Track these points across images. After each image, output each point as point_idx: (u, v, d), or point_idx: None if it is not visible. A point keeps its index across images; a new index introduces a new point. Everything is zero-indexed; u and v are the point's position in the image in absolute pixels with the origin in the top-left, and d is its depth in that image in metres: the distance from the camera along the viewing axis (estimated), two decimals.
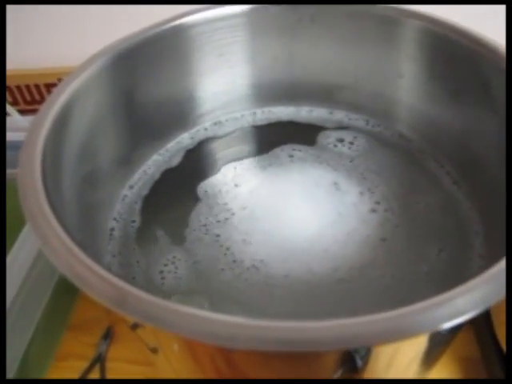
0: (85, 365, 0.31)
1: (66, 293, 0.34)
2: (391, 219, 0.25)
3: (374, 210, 0.25)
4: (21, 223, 0.34)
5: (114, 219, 0.25)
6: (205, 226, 0.25)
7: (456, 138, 0.26)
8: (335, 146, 0.29)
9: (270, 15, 0.27)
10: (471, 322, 0.29)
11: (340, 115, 0.31)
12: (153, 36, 0.25)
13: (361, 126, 0.30)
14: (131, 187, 0.27)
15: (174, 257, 0.24)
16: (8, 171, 0.43)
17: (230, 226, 0.25)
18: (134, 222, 0.25)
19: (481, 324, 0.28)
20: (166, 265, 0.23)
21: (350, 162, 0.28)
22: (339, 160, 0.28)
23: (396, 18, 0.25)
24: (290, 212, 0.26)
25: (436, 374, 0.26)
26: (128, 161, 0.27)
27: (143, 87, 0.26)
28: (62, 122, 0.21)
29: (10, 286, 0.26)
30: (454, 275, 0.22)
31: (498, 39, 0.25)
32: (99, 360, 0.31)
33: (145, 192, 0.27)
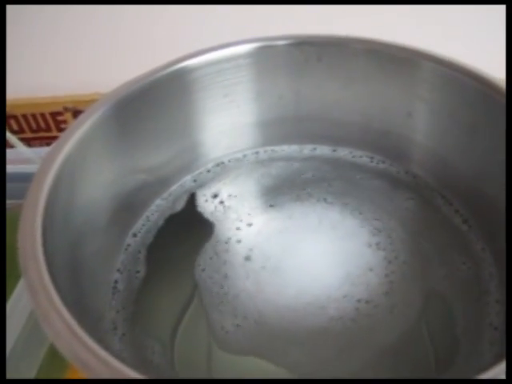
0: None
1: None
2: (398, 258, 0.24)
3: (382, 249, 0.25)
4: None
5: (118, 270, 0.25)
6: (212, 271, 0.25)
7: (465, 176, 0.26)
8: (340, 182, 0.29)
9: (275, 55, 0.26)
10: None
11: (344, 152, 0.30)
12: (155, 80, 0.25)
13: (364, 162, 0.30)
14: (134, 235, 0.26)
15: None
16: (10, 201, 0.44)
17: (238, 271, 0.25)
18: (138, 272, 0.25)
19: None
20: None
21: (356, 198, 0.28)
22: (343, 197, 0.28)
23: (405, 58, 0.25)
24: (299, 254, 0.25)
25: None
26: (130, 208, 0.26)
27: (145, 132, 0.26)
28: (62, 177, 0.21)
29: (12, 329, 0.25)
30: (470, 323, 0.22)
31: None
32: None
33: (149, 240, 0.26)
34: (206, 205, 0.28)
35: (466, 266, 0.24)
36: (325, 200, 0.28)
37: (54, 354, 0.29)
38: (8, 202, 0.43)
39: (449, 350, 0.21)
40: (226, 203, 0.28)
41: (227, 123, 0.28)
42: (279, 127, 0.29)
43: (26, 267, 0.17)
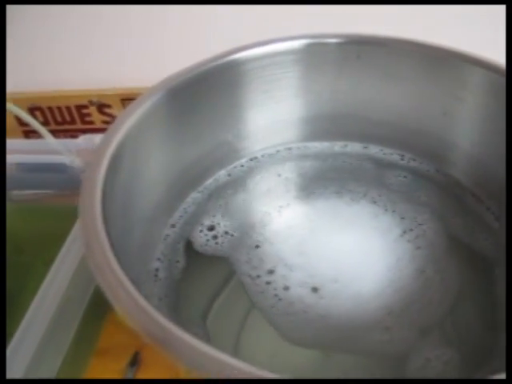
0: None
1: (94, 318, 0.34)
2: (434, 254, 0.25)
3: (418, 247, 0.25)
4: (51, 250, 0.35)
5: (158, 259, 0.25)
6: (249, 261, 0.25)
7: (498, 175, 0.26)
8: (370, 179, 0.29)
9: (317, 53, 0.27)
10: None
11: (375, 150, 0.30)
12: (204, 72, 0.25)
13: (395, 160, 0.30)
14: (173, 226, 0.27)
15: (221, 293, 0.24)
16: (39, 191, 0.44)
17: (272, 258, 0.25)
18: (178, 262, 0.25)
19: None
20: None
21: (386, 194, 0.28)
22: (373, 193, 0.28)
23: (444, 59, 0.25)
24: (336, 246, 0.26)
25: None
26: (170, 198, 0.26)
27: (190, 122, 0.26)
28: (115, 163, 0.21)
29: (43, 315, 0.26)
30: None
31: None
32: None
33: (187, 232, 0.27)
34: (242, 198, 0.28)
35: (497, 265, 0.25)
36: (355, 196, 0.28)
37: (78, 342, 0.30)
38: (36, 191, 0.44)
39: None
40: (258, 198, 0.28)
41: (264, 119, 0.28)
42: (314, 124, 0.30)
43: (91, 249, 0.17)
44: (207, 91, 0.25)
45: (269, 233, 0.26)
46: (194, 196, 0.28)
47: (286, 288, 0.24)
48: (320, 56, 0.27)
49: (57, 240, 0.34)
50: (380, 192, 0.28)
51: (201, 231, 0.26)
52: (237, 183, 0.29)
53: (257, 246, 0.26)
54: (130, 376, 0.32)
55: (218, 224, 0.27)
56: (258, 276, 0.24)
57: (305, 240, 0.26)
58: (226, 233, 0.26)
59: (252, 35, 0.27)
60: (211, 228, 0.27)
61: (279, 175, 0.29)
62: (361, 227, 0.27)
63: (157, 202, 0.25)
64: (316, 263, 0.24)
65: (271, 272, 0.24)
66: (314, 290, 0.23)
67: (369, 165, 0.30)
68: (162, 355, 0.32)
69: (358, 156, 0.30)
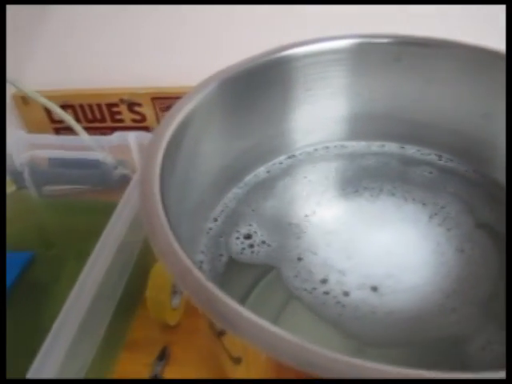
0: None
1: (125, 313, 0.35)
2: (465, 233, 0.25)
3: (448, 229, 0.26)
4: (83, 244, 0.36)
5: (202, 252, 0.26)
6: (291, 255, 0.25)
7: None
8: (411, 179, 0.29)
9: (360, 53, 0.27)
10: None
11: (412, 150, 0.31)
12: (253, 67, 0.26)
13: (433, 160, 0.30)
14: (215, 220, 0.27)
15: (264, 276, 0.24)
16: (72, 187, 0.45)
17: (321, 253, 0.25)
18: (221, 255, 0.26)
19: None
20: None
21: (423, 193, 0.28)
22: (410, 192, 0.28)
23: (482, 59, 0.25)
24: (378, 243, 0.26)
25: None
26: (213, 193, 0.27)
27: (237, 117, 0.27)
28: (173, 147, 0.22)
29: (79, 309, 0.27)
30: None
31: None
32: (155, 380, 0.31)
33: (229, 226, 0.27)
34: (281, 195, 0.29)
35: None
36: (393, 195, 0.29)
37: (109, 335, 0.31)
38: (68, 187, 0.45)
39: None
40: (296, 197, 0.29)
41: (305, 117, 0.29)
42: (352, 124, 0.30)
43: (154, 233, 0.18)
44: (255, 87, 0.26)
45: (308, 243, 0.26)
46: (235, 191, 0.28)
47: (346, 294, 0.23)
48: (362, 56, 0.27)
49: (88, 235, 0.35)
50: (416, 191, 0.28)
51: (237, 238, 0.26)
52: (274, 181, 0.29)
53: (299, 259, 0.25)
54: (158, 370, 0.32)
55: (255, 233, 0.27)
56: (314, 288, 0.24)
57: (348, 243, 0.26)
58: (263, 242, 0.26)
59: (290, 35, 0.27)
60: (248, 236, 0.27)
61: (316, 174, 0.30)
62: (394, 222, 0.27)
63: (202, 195, 0.25)
64: (366, 263, 0.24)
65: (325, 281, 0.24)
66: (374, 289, 0.23)
67: (405, 165, 0.30)
68: (190, 351, 0.33)
69: (394, 156, 0.30)
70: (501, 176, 0.28)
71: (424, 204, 0.28)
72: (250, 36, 0.42)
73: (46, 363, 0.24)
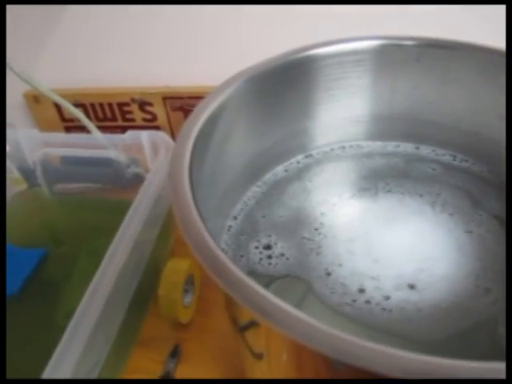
0: None
1: (138, 310, 0.35)
2: (468, 215, 0.26)
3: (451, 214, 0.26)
4: (95, 242, 0.36)
5: (223, 250, 0.26)
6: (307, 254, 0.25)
7: None
8: (426, 177, 0.30)
9: (379, 54, 0.27)
10: None
11: (427, 150, 0.31)
12: (277, 66, 0.26)
13: (447, 161, 0.31)
14: (235, 218, 0.27)
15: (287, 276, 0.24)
16: (83, 185, 0.45)
17: (335, 250, 0.25)
18: (242, 256, 0.26)
19: None
20: None
21: (438, 192, 0.28)
22: (424, 191, 0.29)
23: (500, 62, 0.25)
24: (398, 241, 0.26)
25: None
26: (234, 190, 0.27)
27: (259, 116, 0.27)
28: (201, 143, 0.22)
29: (94, 306, 0.27)
30: None
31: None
32: (167, 377, 0.32)
33: (248, 224, 0.27)
34: (298, 193, 0.29)
35: None
36: (408, 194, 0.29)
37: (123, 332, 0.31)
38: (80, 185, 0.45)
39: None
40: (313, 194, 0.29)
41: (323, 116, 0.29)
42: (369, 124, 0.30)
43: (187, 229, 0.18)
44: (278, 86, 0.26)
45: (331, 256, 0.26)
46: (254, 190, 0.29)
47: (387, 298, 0.23)
48: (382, 57, 0.27)
49: (100, 233, 0.35)
50: (430, 190, 0.29)
51: (256, 248, 0.26)
52: (291, 181, 0.29)
53: (328, 274, 0.25)
54: (170, 367, 0.32)
55: (275, 244, 0.26)
56: (354, 300, 0.23)
57: (370, 247, 0.26)
58: (282, 255, 0.26)
59: (306, 37, 0.28)
60: (268, 247, 0.26)
61: (331, 174, 0.30)
62: (407, 217, 0.27)
63: (224, 192, 0.26)
64: (393, 263, 0.25)
65: (362, 291, 0.24)
66: (411, 286, 0.24)
67: (420, 165, 0.30)
68: (201, 349, 0.33)
69: (409, 156, 0.31)
70: None
71: (432, 200, 0.28)
72: (260, 37, 0.42)
73: (62, 361, 0.25)
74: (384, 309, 0.23)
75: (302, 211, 0.28)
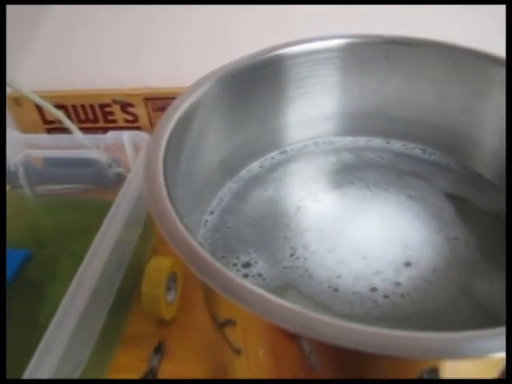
0: (137, 378, 0.31)
1: (121, 309, 0.35)
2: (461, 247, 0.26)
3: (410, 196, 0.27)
4: (78, 242, 0.36)
5: (199, 243, 0.26)
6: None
7: None
8: (396, 170, 0.30)
9: (348, 52, 0.28)
10: None
11: (397, 145, 0.32)
12: (248, 66, 0.27)
13: (416, 154, 0.32)
14: (212, 213, 0.28)
15: (260, 274, 0.25)
16: (65, 186, 0.45)
17: (304, 245, 0.26)
18: (217, 254, 0.26)
19: None
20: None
21: (406, 184, 0.29)
22: (394, 183, 0.29)
23: (464, 58, 0.27)
24: (359, 231, 0.27)
25: None
26: (209, 186, 0.28)
27: (232, 115, 0.28)
28: (174, 142, 0.22)
29: (76, 305, 0.27)
30: None
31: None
32: (151, 374, 0.32)
33: (223, 218, 0.28)
34: (272, 188, 0.30)
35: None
36: (377, 186, 0.29)
37: (106, 331, 0.31)
38: (63, 186, 0.45)
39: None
40: (287, 189, 0.30)
41: (296, 114, 0.30)
42: (340, 120, 0.31)
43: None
44: (250, 84, 0.27)
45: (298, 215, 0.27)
46: (230, 186, 0.29)
47: (398, 284, 0.24)
48: (350, 55, 0.28)
49: (83, 233, 0.35)
50: (399, 182, 0.30)
51: (235, 265, 0.25)
52: (267, 176, 0.30)
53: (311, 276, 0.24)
54: (154, 363, 0.33)
55: (256, 263, 0.25)
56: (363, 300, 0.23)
57: (353, 242, 0.26)
58: (260, 275, 0.25)
59: (282, 35, 0.28)
60: (247, 265, 0.25)
61: (305, 169, 0.31)
62: (380, 209, 0.28)
63: (200, 188, 0.26)
64: (379, 255, 0.25)
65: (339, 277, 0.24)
66: (407, 264, 0.24)
67: (390, 158, 0.31)
68: (185, 345, 0.33)
69: (380, 150, 0.32)
70: (482, 168, 0.29)
71: (403, 191, 0.29)
72: (241, 37, 0.43)
73: (44, 360, 0.25)
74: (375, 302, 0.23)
75: (277, 205, 0.28)
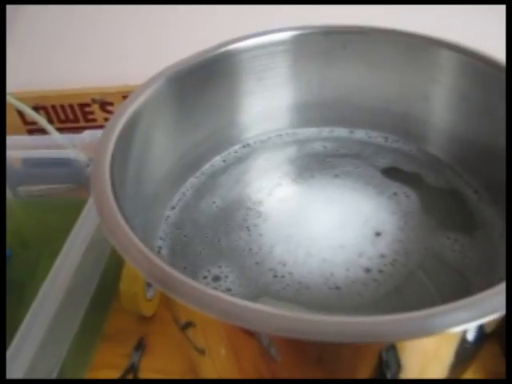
0: (118, 375, 0.31)
1: (100, 306, 0.35)
2: (409, 222, 0.26)
3: (396, 213, 0.27)
4: (59, 242, 0.36)
5: (161, 238, 0.27)
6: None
7: (476, 151, 0.27)
8: (360, 158, 0.30)
9: (305, 43, 0.28)
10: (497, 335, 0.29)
11: (360, 134, 0.32)
12: (201, 62, 0.27)
13: (379, 142, 0.31)
14: (173, 208, 0.28)
15: (220, 266, 0.25)
16: (45, 186, 0.45)
17: (265, 235, 0.26)
18: (177, 245, 0.26)
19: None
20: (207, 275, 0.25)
21: (370, 172, 0.29)
22: (357, 171, 0.29)
23: (422, 46, 0.27)
24: (318, 219, 0.27)
25: None
26: (170, 182, 0.28)
27: (188, 111, 0.27)
28: (122, 143, 0.22)
29: (51, 302, 0.27)
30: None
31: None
32: (132, 370, 0.32)
33: (185, 213, 0.28)
34: (235, 182, 0.30)
35: (477, 231, 0.26)
36: (342, 174, 0.29)
37: (85, 328, 0.31)
38: (42, 186, 0.45)
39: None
40: (250, 182, 0.30)
41: (257, 107, 0.30)
42: (303, 111, 0.31)
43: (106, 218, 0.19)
44: (204, 80, 0.27)
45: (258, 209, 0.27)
46: (192, 181, 0.29)
47: (367, 270, 0.24)
48: (308, 46, 0.28)
49: (63, 232, 0.35)
50: (363, 170, 0.30)
51: (204, 278, 0.25)
52: (230, 170, 0.30)
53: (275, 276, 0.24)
54: (135, 359, 0.33)
55: (227, 277, 0.25)
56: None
57: (326, 237, 0.26)
58: (228, 290, 0.24)
59: (242, 31, 0.28)
60: (217, 278, 0.25)
61: (269, 161, 0.31)
62: (344, 198, 0.28)
63: (158, 185, 0.26)
64: (353, 238, 0.25)
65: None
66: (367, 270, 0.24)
67: (354, 148, 0.31)
68: (166, 341, 0.33)
69: (344, 140, 0.31)
70: (442, 153, 0.29)
71: (366, 180, 0.29)
72: (211, 32, 0.42)
73: (16, 358, 0.25)
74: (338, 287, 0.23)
75: (240, 199, 0.28)
